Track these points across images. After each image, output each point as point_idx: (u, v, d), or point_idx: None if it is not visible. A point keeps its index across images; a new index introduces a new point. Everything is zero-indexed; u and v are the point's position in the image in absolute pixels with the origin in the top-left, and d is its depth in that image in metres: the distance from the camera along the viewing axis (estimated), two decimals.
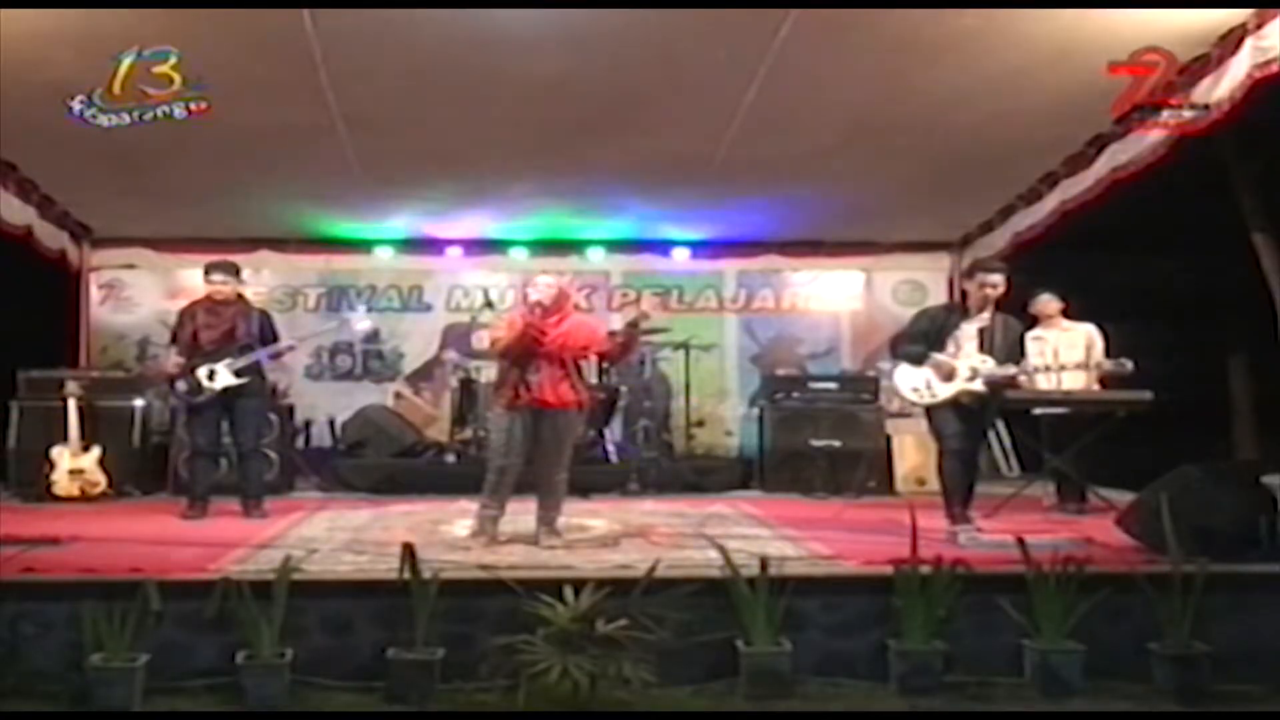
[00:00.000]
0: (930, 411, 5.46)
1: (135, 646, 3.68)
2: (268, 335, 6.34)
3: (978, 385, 5.32)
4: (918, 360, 5.43)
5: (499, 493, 5.11)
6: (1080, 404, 6.59)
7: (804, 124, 6.42)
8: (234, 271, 6.35)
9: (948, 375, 5.34)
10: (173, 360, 6.28)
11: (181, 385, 6.19)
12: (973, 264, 5.77)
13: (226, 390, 6.10)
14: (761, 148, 6.77)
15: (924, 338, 5.48)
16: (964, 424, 5.40)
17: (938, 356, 5.37)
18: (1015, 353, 5.46)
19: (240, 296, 6.40)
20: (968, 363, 5.35)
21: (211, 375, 6.07)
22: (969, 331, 5.41)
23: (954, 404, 5.37)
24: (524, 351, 5.05)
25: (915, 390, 5.44)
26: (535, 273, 5.52)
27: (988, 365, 5.33)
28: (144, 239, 9.22)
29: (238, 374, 6.10)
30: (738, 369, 9.85)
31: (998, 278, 5.35)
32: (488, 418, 5.86)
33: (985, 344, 5.37)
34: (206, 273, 6.33)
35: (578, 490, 6.25)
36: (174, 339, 6.32)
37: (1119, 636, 3.94)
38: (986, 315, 5.41)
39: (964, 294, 5.67)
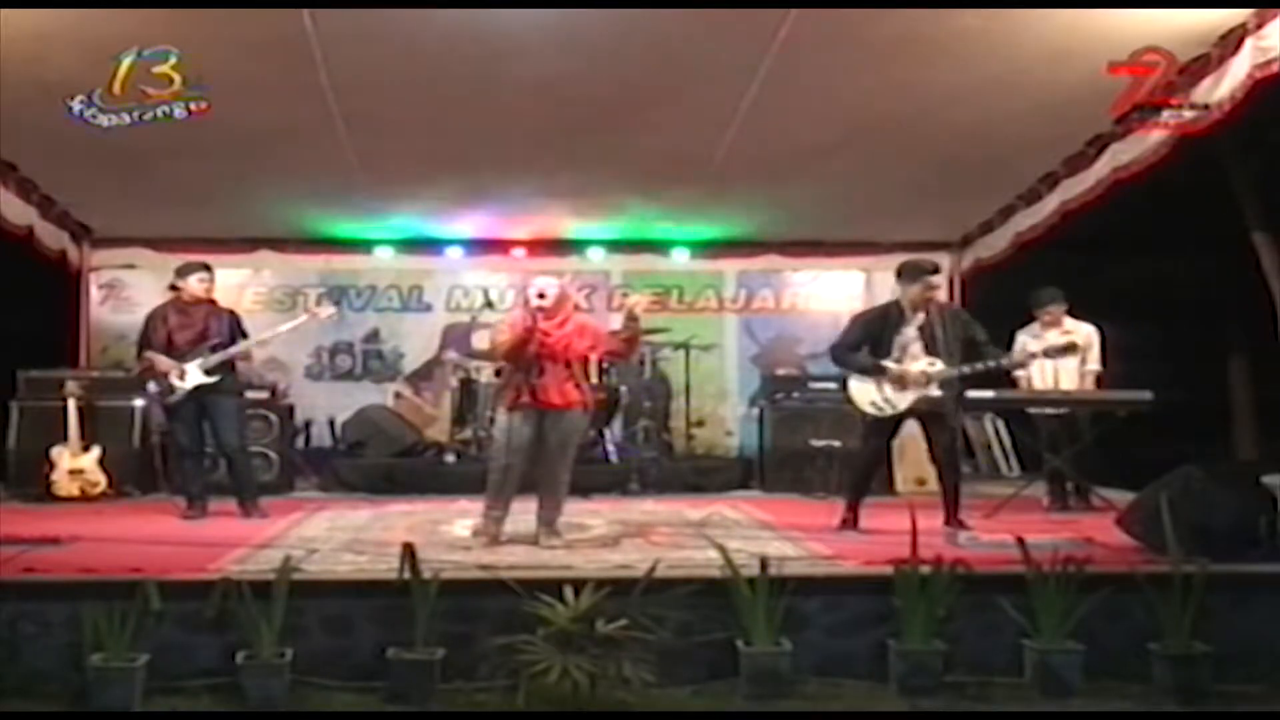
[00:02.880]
0: (878, 421, 5.45)
1: (135, 646, 3.67)
2: (237, 335, 6.32)
3: (934, 390, 5.30)
4: (871, 372, 5.39)
5: (503, 493, 5.09)
6: (1079, 404, 6.58)
7: (804, 124, 6.41)
8: (211, 272, 6.33)
9: (903, 384, 5.32)
10: (145, 361, 6.22)
11: (153, 386, 6.16)
12: (912, 267, 5.50)
13: (199, 389, 6.05)
14: (761, 148, 6.76)
15: (865, 345, 5.46)
16: (878, 435, 5.45)
17: (891, 367, 5.33)
18: (964, 344, 5.40)
19: (210, 298, 6.37)
20: (918, 367, 5.33)
21: (182, 375, 6.04)
22: (910, 334, 5.40)
23: (909, 413, 5.37)
24: (527, 354, 5.05)
25: (874, 404, 5.42)
26: (535, 273, 5.50)
27: (937, 368, 5.31)
28: (144, 239, 9.19)
29: (208, 372, 6.06)
30: (738, 369, 9.84)
31: (939, 279, 5.44)
32: (491, 418, 5.85)
33: (928, 344, 5.35)
34: (184, 274, 6.25)
35: (578, 490, 6.22)
36: (146, 343, 6.20)
37: (1119, 636, 3.93)
38: (922, 315, 5.42)
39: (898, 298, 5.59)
